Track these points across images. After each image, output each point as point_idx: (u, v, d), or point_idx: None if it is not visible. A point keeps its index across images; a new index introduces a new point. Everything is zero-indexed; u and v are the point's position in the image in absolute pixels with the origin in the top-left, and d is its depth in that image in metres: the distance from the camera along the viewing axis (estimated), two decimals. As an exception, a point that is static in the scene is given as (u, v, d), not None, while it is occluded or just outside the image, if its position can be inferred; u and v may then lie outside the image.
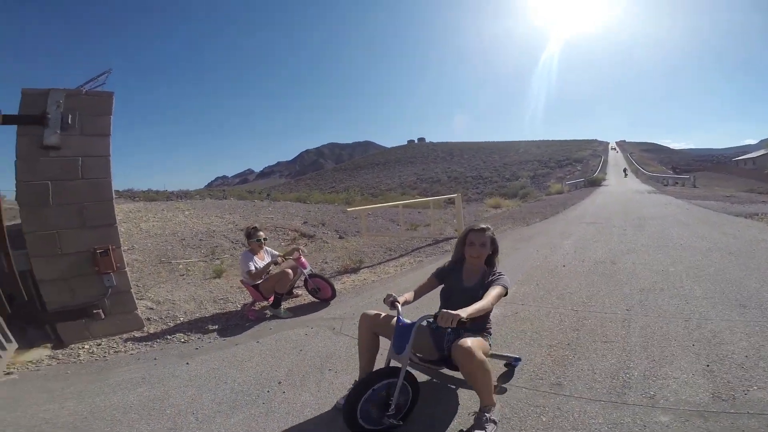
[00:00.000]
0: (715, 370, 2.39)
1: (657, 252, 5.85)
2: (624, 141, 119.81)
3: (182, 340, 3.63)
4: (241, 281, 4.45)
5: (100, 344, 3.56)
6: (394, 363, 2.07)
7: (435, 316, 1.93)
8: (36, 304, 3.71)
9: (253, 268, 4.19)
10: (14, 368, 3.09)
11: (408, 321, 2.10)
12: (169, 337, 3.69)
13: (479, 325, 2.26)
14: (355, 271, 6.12)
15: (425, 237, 8.80)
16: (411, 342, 1.99)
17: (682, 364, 2.50)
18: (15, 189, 3.75)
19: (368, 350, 2.29)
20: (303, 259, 4.49)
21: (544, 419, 2.07)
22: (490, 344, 2.30)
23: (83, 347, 3.51)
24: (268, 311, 4.26)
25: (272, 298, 4.27)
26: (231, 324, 4.02)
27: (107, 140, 4.14)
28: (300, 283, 4.76)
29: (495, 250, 2.40)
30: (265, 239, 4.52)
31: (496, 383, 2.27)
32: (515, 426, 2.04)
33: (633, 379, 2.38)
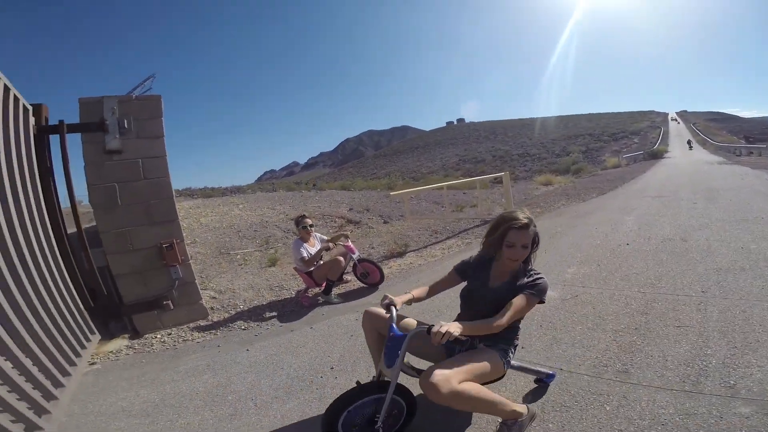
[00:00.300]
0: None
1: (735, 227, 5.23)
2: (685, 111, 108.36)
3: (242, 327, 3.83)
4: (295, 268, 4.57)
5: (170, 334, 3.86)
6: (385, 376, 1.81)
7: (429, 329, 1.63)
8: (114, 298, 4.09)
9: (305, 254, 4.30)
10: (97, 358, 3.42)
11: (400, 332, 1.78)
12: (230, 324, 3.91)
13: (501, 336, 1.85)
14: (401, 255, 6.10)
15: (472, 218, 8.58)
16: (402, 355, 1.72)
17: (764, 353, 2.23)
18: (87, 192, 4.11)
19: (377, 349, 2.03)
20: (351, 245, 4.55)
21: (608, 408, 1.94)
22: (507, 361, 1.85)
23: (156, 337, 3.81)
24: (320, 297, 4.38)
25: (324, 285, 4.36)
26: (287, 311, 4.19)
27: (162, 141, 4.37)
28: (349, 269, 4.82)
29: (535, 246, 1.90)
30: (312, 226, 4.58)
31: (519, 403, 1.91)
32: (575, 416, 1.92)
33: (710, 367, 2.16)
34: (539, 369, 2.19)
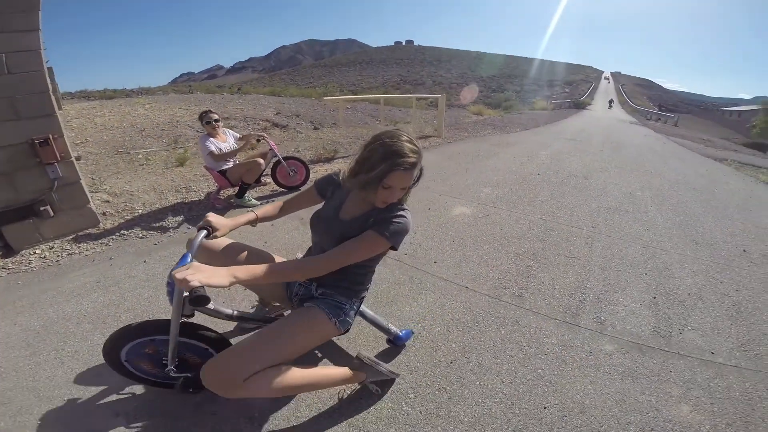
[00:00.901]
0: (660, 304, 2.42)
1: (628, 175, 5.93)
2: (619, 72, 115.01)
3: (140, 235, 3.40)
4: (206, 167, 4.08)
5: (52, 248, 3.26)
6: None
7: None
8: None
9: (213, 148, 3.83)
10: None
11: (185, 262, 1.31)
12: (126, 232, 3.44)
13: (341, 285, 1.49)
14: (328, 160, 5.92)
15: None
16: (178, 297, 1.26)
17: (633, 293, 2.53)
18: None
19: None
20: (273, 143, 4.13)
21: (502, 332, 2.07)
22: (343, 320, 1.46)
23: (34, 253, 3.19)
24: (233, 200, 4.04)
25: (239, 187, 4.00)
26: (194, 215, 3.81)
27: (36, 35, 3.37)
28: (268, 170, 4.45)
29: (416, 182, 1.41)
30: (218, 120, 4.01)
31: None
32: (476, 337, 2.03)
33: (588, 301, 2.40)
34: (390, 327, 1.90)
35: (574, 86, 56.80)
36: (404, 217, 1.37)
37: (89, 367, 1.82)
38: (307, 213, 1.63)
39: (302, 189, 1.66)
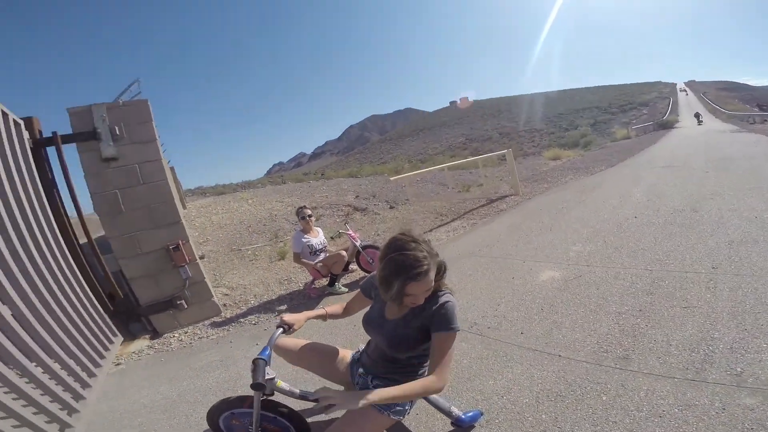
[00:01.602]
0: None
1: (748, 195, 5.05)
2: (694, 81, 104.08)
3: (253, 322, 3.94)
4: (298, 260, 4.50)
5: (186, 332, 4.00)
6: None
7: (314, 398, 1.39)
8: (131, 300, 4.22)
9: (299, 250, 4.35)
10: (122, 359, 3.59)
11: (265, 353, 1.55)
12: (242, 320, 4.03)
13: (398, 378, 1.58)
14: (408, 241, 6.13)
15: (478, 198, 8.52)
16: (260, 374, 1.47)
17: None
18: (91, 201, 4.18)
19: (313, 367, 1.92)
20: (353, 233, 4.62)
21: (604, 398, 1.89)
22: (395, 410, 1.55)
23: (173, 336, 3.96)
24: (327, 289, 4.43)
25: (329, 277, 4.40)
26: (295, 303, 4.28)
27: (155, 145, 4.36)
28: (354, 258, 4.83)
29: (442, 271, 1.52)
30: (311, 216, 4.57)
31: None
32: (570, 406, 1.88)
33: (717, 353, 2.07)
34: (452, 410, 1.86)
35: (652, 106, 52.09)
36: (449, 302, 1.48)
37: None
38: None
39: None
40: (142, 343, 3.90)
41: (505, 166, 19.03)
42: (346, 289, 4.39)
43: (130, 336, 4.06)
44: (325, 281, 4.50)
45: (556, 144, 32.66)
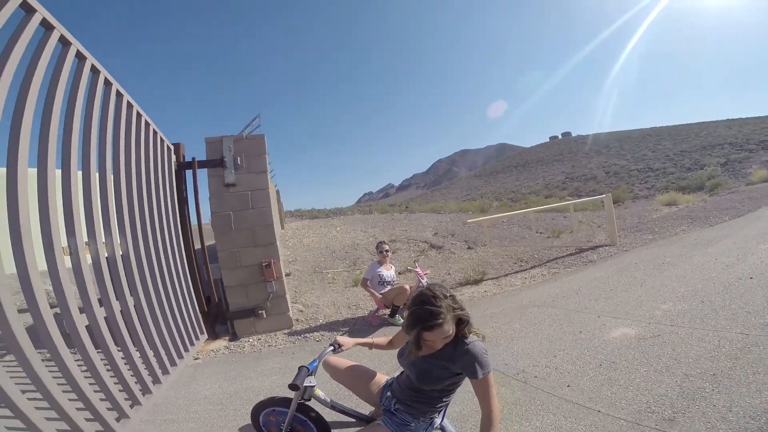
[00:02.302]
0: None
1: None
2: None
3: (317, 339, 4.30)
4: (364, 285, 4.78)
5: (260, 339, 4.56)
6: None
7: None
8: (223, 305, 4.95)
9: (369, 277, 4.67)
10: (201, 355, 4.23)
11: (312, 365, 1.92)
12: (308, 335, 4.44)
13: (417, 405, 1.77)
14: (476, 282, 6.00)
15: (567, 246, 7.91)
16: (302, 378, 1.83)
17: None
18: (210, 218, 5.09)
19: (353, 385, 2.13)
20: (420, 270, 4.78)
21: None
22: None
23: (248, 340, 4.55)
24: (387, 318, 4.64)
25: (390, 308, 4.61)
26: (357, 327, 4.56)
27: (265, 176, 5.17)
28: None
29: (464, 323, 1.64)
30: (388, 251, 4.89)
31: None
32: None
33: None
34: None
35: None
36: (471, 349, 1.61)
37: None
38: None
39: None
40: (221, 343, 4.53)
41: (605, 211, 17.28)
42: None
43: (213, 336, 4.75)
44: (387, 312, 4.69)
45: (674, 186, 28.52)
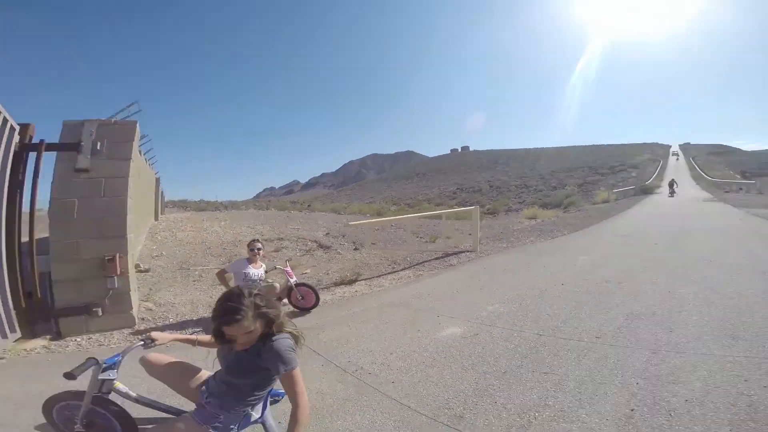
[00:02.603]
0: (635, 417, 2.13)
1: (676, 270, 5.35)
2: (689, 143, 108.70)
3: None
4: (222, 278, 4.61)
5: (91, 338, 4.06)
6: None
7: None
8: (47, 302, 4.25)
9: (229, 270, 4.52)
10: (7, 354, 3.61)
11: (112, 359, 1.92)
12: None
13: (228, 399, 1.76)
14: (351, 283, 6.22)
15: (437, 250, 8.69)
16: (84, 370, 1.83)
17: (606, 407, 2.26)
18: (49, 204, 4.33)
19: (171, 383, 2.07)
20: (290, 270, 4.79)
21: None
22: (216, 428, 1.73)
23: (75, 339, 4.01)
24: None
25: None
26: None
27: (128, 163, 4.67)
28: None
29: (270, 320, 1.67)
30: (259, 249, 4.69)
31: None
32: None
33: (536, 421, 2.17)
34: None
35: (642, 168, 53.35)
36: (279, 345, 1.66)
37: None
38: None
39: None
40: (38, 342, 3.96)
41: (487, 220, 19.39)
42: None
43: (30, 334, 4.08)
44: None
45: (540, 202, 33.47)
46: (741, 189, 25.86)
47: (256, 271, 4.62)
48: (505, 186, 59.95)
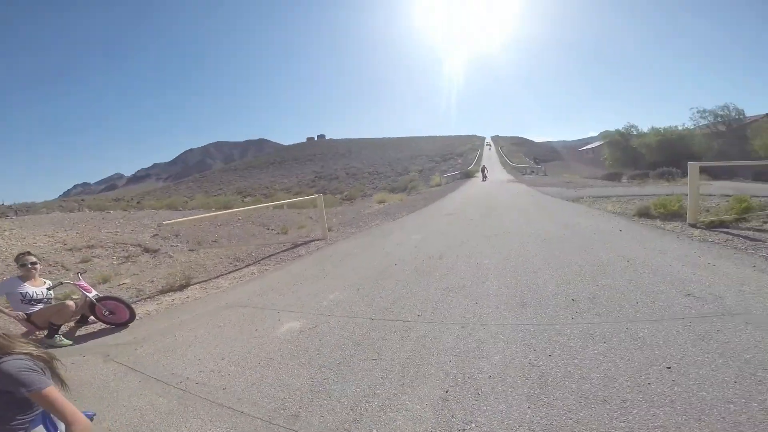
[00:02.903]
0: (450, 399, 2.20)
1: (485, 242, 6.18)
2: (498, 136, 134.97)
3: None
4: (3, 311, 3.80)
5: None
6: None
7: None
8: None
9: (7, 291, 3.85)
10: None
11: None
12: None
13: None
14: (181, 288, 5.49)
15: (286, 242, 8.42)
16: None
17: (425, 390, 2.31)
18: None
19: None
20: (84, 283, 4.08)
21: None
22: None
23: None
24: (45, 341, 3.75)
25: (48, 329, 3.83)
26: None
27: None
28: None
29: None
30: (33, 263, 3.99)
31: None
32: None
33: (368, 414, 2.15)
34: None
35: (465, 156, 63.86)
36: (7, 367, 1.49)
37: None
38: None
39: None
40: None
41: (343, 206, 19.65)
42: (70, 342, 3.84)
43: None
44: (44, 333, 3.85)
45: (390, 187, 36.32)
46: (533, 172, 33.91)
47: (38, 289, 3.92)
48: (360, 173, 62.77)
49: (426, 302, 3.76)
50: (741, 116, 35.76)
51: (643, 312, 3.07)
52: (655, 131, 38.53)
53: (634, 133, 41.60)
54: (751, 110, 38.56)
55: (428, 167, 55.54)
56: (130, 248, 8.86)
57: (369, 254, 6.35)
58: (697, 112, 37.56)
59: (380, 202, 19.94)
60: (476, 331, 3.03)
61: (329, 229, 9.93)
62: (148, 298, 5.29)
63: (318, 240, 8.28)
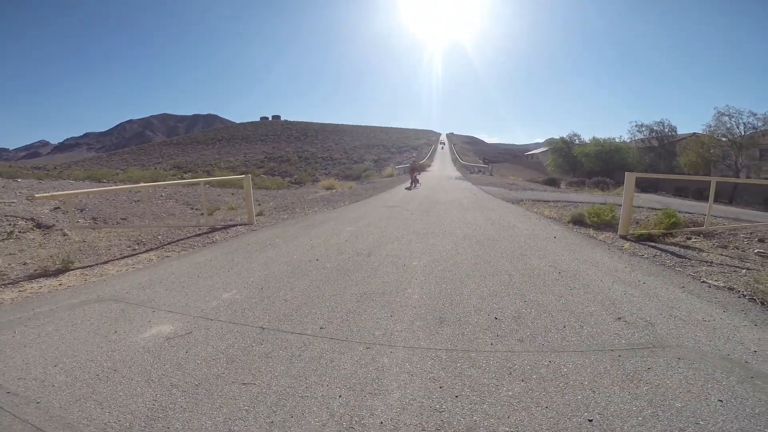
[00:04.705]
0: None
1: (418, 240, 5.87)
2: (452, 133, 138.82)
3: None
4: None
5: None
6: None
7: None
8: None
9: None
10: None
11: None
12: None
13: None
14: (57, 274, 4.60)
15: (205, 225, 7.60)
16: None
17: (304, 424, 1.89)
18: None
19: None
20: None
21: None
22: None
23: None
24: None
25: None
26: None
27: None
28: None
29: None
30: None
31: None
32: None
33: None
34: None
35: (419, 150, 64.93)
36: None
37: None
38: None
39: None
40: None
41: (289, 190, 18.67)
42: None
43: None
44: None
45: (343, 174, 35.68)
46: (480, 171, 35.05)
47: None
48: (313, 158, 61.12)
49: (335, 311, 3.27)
50: (673, 133, 39.25)
51: (569, 340, 2.75)
52: (595, 141, 41.19)
53: (577, 141, 44.22)
54: (684, 128, 42.63)
55: (384, 158, 55.45)
56: (20, 222, 7.54)
57: (291, 246, 5.79)
58: (635, 126, 40.67)
59: (328, 188, 19.39)
60: (381, 354, 2.56)
61: (261, 214, 9.23)
62: (10, 284, 4.37)
63: (242, 225, 7.57)
